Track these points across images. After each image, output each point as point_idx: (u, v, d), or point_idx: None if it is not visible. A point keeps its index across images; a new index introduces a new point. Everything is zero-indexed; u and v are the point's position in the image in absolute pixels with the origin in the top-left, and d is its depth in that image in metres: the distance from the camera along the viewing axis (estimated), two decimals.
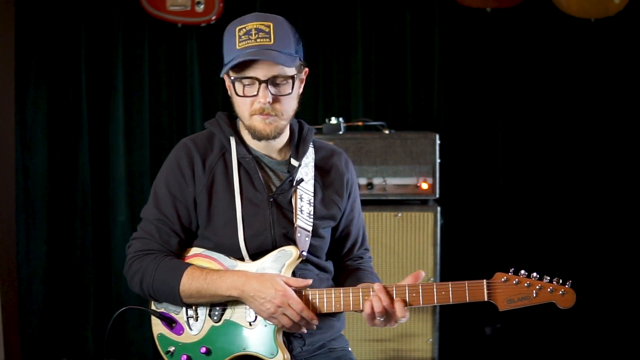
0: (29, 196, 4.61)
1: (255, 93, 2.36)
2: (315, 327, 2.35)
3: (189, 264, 2.41)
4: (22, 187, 4.61)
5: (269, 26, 2.34)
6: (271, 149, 2.49)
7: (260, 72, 2.34)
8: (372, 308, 2.30)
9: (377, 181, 4.15)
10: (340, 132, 4.16)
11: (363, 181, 4.11)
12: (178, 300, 2.40)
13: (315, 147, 2.58)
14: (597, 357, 4.71)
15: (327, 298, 2.35)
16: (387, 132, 4.20)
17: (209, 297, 2.38)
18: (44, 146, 4.62)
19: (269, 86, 2.35)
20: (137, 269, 2.44)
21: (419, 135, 4.17)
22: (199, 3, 4.55)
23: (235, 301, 2.40)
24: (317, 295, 2.36)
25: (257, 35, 2.33)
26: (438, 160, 4.14)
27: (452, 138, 4.70)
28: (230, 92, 2.42)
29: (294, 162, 2.51)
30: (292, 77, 2.37)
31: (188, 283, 2.37)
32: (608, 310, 4.76)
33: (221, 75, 2.36)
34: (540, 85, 4.83)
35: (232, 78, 2.37)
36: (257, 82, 2.34)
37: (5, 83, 4.62)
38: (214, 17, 4.58)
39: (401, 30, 4.81)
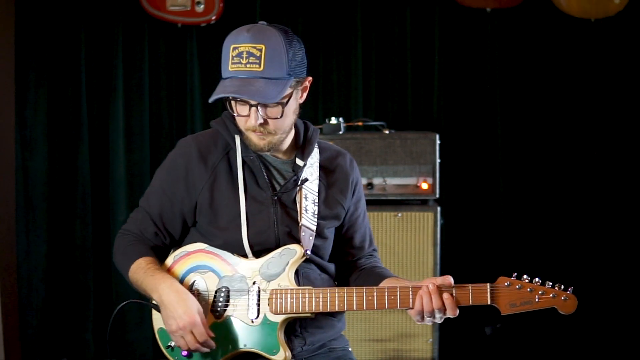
0: (29, 196, 4.61)
1: (247, 113, 2.38)
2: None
3: (144, 255, 2.47)
4: (22, 187, 4.61)
5: (260, 50, 2.32)
6: (276, 149, 2.50)
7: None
8: (422, 306, 2.33)
9: (377, 181, 4.15)
10: (340, 132, 4.16)
11: (363, 181, 4.10)
12: (131, 284, 2.50)
13: (320, 148, 2.59)
14: (597, 357, 4.72)
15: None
16: (387, 132, 4.20)
17: (142, 291, 2.46)
18: (44, 146, 4.62)
19: (260, 109, 2.36)
20: (115, 245, 2.58)
21: (419, 135, 4.17)
22: (199, 3, 4.55)
23: (237, 297, 2.42)
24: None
25: (247, 60, 2.32)
26: (438, 160, 4.15)
27: (452, 138, 4.71)
28: None
29: (299, 161, 2.52)
30: (282, 103, 2.37)
31: (133, 271, 2.46)
32: (608, 310, 4.77)
33: (210, 100, 2.36)
34: (540, 85, 4.83)
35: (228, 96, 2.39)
36: (247, 104, 2.37)
37: (5, 83, 4.61)
38: (214, 17, 4.58)
39: (401, 30, 4.81)
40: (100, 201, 4.68)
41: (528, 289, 2.25)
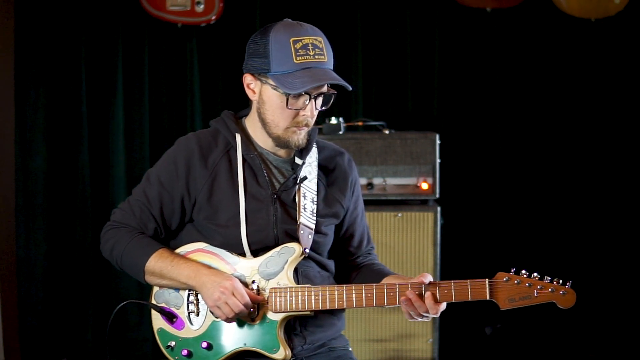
0: (29, 196, 4.61)
1: (302, 106, 2.40)
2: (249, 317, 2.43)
3: (162, 246, 2.49)
4: (22, 187, 4.61)
5: (321, 42, 2.39)
6: (277, 147, 2.51)
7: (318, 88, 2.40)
8: (409, 313, 2.38)
9: (377, 181, 4.15)
10: (340, 132, 4.16)
11: (363, 181, 4.11)
12: (141, 276, 2.48)
13: (318, 147, 2.60)
14: (597, 357, 4.71)
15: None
16: (387, 132, 4.20)
17: (168, 279, 2.45)
18: (44, 146, 4.62)
19: (317, 100, 2.41)
20: (111, 236, 2.52)
21: (419, 135, 4.18)
22: (199, 3, 4.55)
23: None
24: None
25: (314, 52, 2.37)
26: (438, 160, 4.15)
27: (452, 138, 4.70)
28: (270, 100, 2.42)
29: (297, 160, 2.52)
30: (334, 93, 2.43)
31: (154, 261, 2.45)
32: (608, 310, 4.77)
33: (298, 92, 2.36)
34: (540, 85, 4.83)
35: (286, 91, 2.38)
36: (306, 96, 2.39)
37: (5, 83, 4.62)
38: (214, 17, 4.59)
39: (401, 30, 4.82)
40: (100, 201, 4.68)
41: (526, 284, 2.26)
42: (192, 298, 2.47)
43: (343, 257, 2.64)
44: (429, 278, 2.35)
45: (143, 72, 4.71)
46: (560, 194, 4.84)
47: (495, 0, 4.67)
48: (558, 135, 4.83)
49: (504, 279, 2.27)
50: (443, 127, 4.69)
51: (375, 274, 2.53)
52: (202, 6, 4.56)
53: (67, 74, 4.63)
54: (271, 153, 2.52)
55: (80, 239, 4.65)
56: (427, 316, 2.36)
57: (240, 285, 2.37)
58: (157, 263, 2.45)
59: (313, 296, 2.38)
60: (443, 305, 2.34)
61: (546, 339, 4.77)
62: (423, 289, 2.33)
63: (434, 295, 2.32)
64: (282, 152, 2.52)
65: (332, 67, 2.41)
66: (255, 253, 2.45)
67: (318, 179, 2.55)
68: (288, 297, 2.39)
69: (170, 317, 2.48)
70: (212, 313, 2.44)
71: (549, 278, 2.27)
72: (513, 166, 4.84)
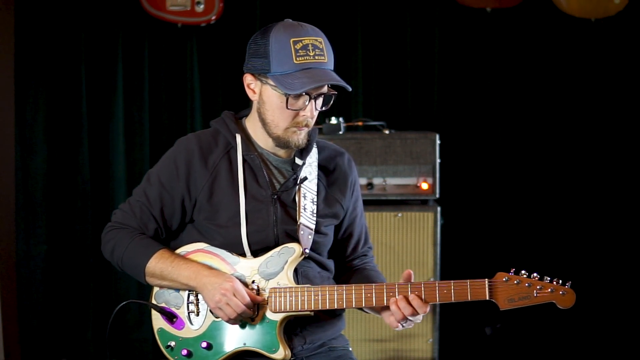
0: (29, 196, 4.62)
1: (302, 107, 2.40)
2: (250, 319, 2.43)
3: (163, 247, 2.49)
4: (22, 187, 4.61)
5: (321, 42, 2.40)
6: (277, 148, 2.51)
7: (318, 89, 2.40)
8: (395, 319, 2.37)
9: (377, 181, 4.15)
10: (340, 132, 4.16)
11: (363, 181, 4.11)
12: (142, 277, 2.48)
13: (318, 147, 2.60)
14: (597, 357, 4.72)
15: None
16: (387, 132, 4.20)
17: (169, 281, 2.46)
18: (44, 146, 4.62)
19: (317, 101, 2.41)
20: (112, 237, 2.53)
21: (419, 135, 4.18)
22: (199, 3, 4.56)
23: None
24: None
25: (314, 52, 2.37)
26: (438, 160, 4.15)
27: (452, 138, 4.70)
28: (270, 100, 2.43)
29: (298, 160, 2.53)
30: (334, 94, 2.44)
31: (155, 262, 2.45)
32: (608, 310, 4.77)
33: (297, 92, 2.36)
34: (540, 85, 4.83)
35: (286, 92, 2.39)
36: (306, 96, 2.39)
37: (5, 83, 4.62)
38: (214, 17, 4.59)
39: (401, 30, 4.82)
40: (100, 201, 4.68)
41: (526, 284, 2.27)
42: (192, 298, 2.47)
43: (339, 258, 2.64)
44: (409, 273, 2.37)
45: (143, 72, 4.71)
46: (560, 194, 4.84)
47: (495, 0, 4.67)
48: (558, 135, 4.84)
49: (504, 279, 2.28)
50: (443, 127, 4.69)
51: (361, 280, 2.53)
52: (202, 6, 4.56)
53: (67, 73, 4.64)
54: (271, 153, 2.52)
55: (81, 239, 4.66)
56: (411, 320, 2.36)
57: (240, 286, 2.38)
58: (158, 264, 2.45)
59: (313, 296, 2.38)
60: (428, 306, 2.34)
61: (546, 339, 4.77)
62: (409, 289, 2.34)
63: (418, 296, 2.32)
64: (282, 153, 2.52)
65: (332, 68, 2.42)
66: (255, 253, 2.45)
67: (318, 179, 2.55)
68: (288, 297, 2.39)
69: (170, 317, 2.49)
70: (212, 313, 2.44)
71: (549, 278, 2.27)
72: (513, 166, 4.84)
